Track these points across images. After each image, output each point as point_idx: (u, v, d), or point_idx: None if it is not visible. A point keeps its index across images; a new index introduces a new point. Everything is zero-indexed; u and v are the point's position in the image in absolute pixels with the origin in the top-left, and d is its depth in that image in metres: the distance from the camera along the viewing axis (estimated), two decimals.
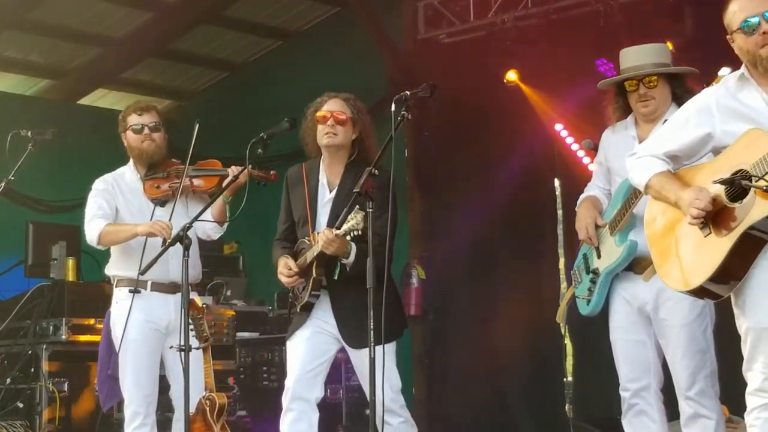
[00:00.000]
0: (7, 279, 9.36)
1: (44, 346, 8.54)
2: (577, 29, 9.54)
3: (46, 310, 8.72)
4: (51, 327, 8.66)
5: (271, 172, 6.05)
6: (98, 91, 12.59)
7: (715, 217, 4.09)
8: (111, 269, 6.37)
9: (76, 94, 12.38)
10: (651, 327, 5.31)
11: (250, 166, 5.75)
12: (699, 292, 4.20)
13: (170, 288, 6.16)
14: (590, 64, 8.86)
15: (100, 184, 6.41)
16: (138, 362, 6.17)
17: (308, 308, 5.63)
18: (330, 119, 5.62)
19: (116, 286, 6.30)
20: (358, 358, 5.57)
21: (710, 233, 4.09)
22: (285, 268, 5.65)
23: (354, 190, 4.89)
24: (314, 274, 5.53)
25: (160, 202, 6.25)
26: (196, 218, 5.66)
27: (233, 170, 5.97)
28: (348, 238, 5.26)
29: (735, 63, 4.38)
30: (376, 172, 4.88)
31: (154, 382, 6.23)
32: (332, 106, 5.67)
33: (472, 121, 10.32)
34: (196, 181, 6.21)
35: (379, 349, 4.84)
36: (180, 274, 5.74)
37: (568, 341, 9.92)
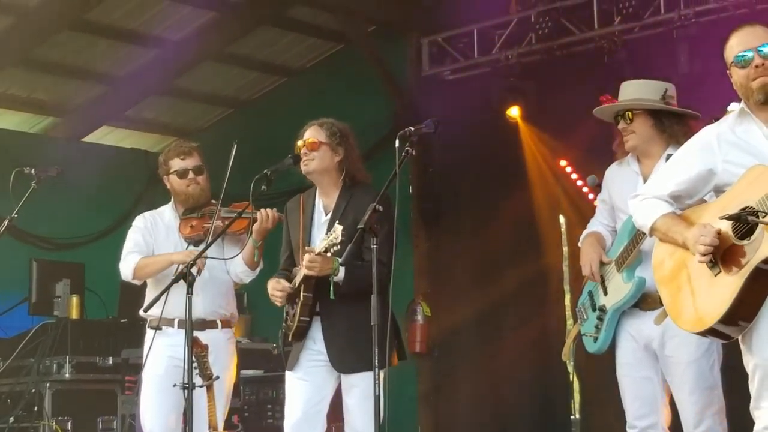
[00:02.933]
0: (11, 317, 9.35)
1: (48, 385, 8.53)
2: (582, 65, 9.57)
3: (49, 348, 8.70)
4: (54, 365, 8.65)
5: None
6: (103, 128, 12.61)
7: (724, 256, 4.06)
8: (142, 311, 6.36)
9: (80, 132, 12.39)
10: (658, 363, 5.27)
11: (273, 208, 5.85)
12: (710, 333, 4.16)
13: (197, 325, 6.12)
14: (594, 100, 8.84)
15: (139, 222, 6.45)
16: (158, 397, 6.15)
17: (300, 336, 5.55)
18: (304, 148, 5.63)
19: (147, 326, 6.30)
20: (346, 385, 5.51)
21: (720, 272, 4.06)
22: (276, 284, 5.61)
23: (358, 227, 4.87)
24: (301, 298, 5.47)
25: (194, 241, 6.26)
26: (199, 255, 5.63)
27: (263, 213, 5.97)
28: (329, 254, 5.24)
29: (726, 101, 4.39)
30: (380, 208, 4.86)
31: (175, 417, 6.18)
32: (306, 135, 5.68)
33: (477, 157, 10.34)
34: (226, 223, 6.18)
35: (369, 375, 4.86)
36: (205, 311, 6.05)
37: (574, 378, 9.87)
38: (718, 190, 4.30)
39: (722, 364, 5.21)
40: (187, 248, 6.24)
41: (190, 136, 12.78)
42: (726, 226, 4.06)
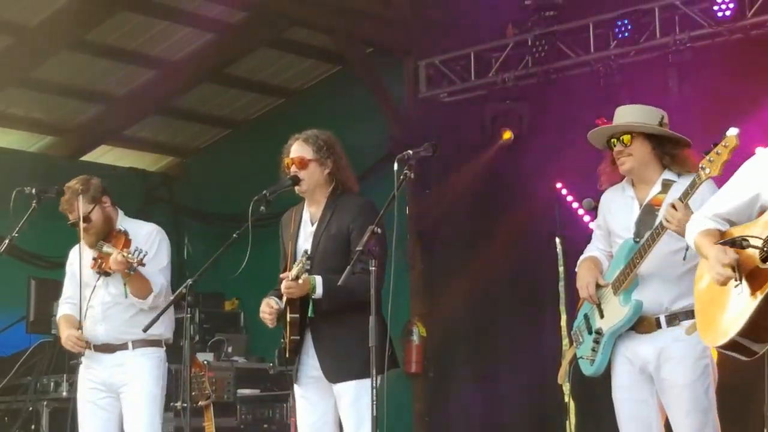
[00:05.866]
0: (9, 335, 9.37)
1: (45, 403, 8.53)
2: (578, 89, 9.63)
3: (47, 366, 8.72)
4: (52, 383, 8.66)
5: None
6: (101, 147, 12.64)
7: (749, 277, 4.10)
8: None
9: (79, 151, 12.42)
10: (653, 386, 5.29)
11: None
12: (732, 347, 4.20)
13: (102, 348, 6.32)
14: (590, 124, 8.89)
15: (68, 259, 6.72)
16: (85, 420, 6.36)
17: (295, 352, 5.59)
18: (293, 166, 5.63)
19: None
20: (338, 396, 5.54)
21: (743, 292, 4.11)
22: (266, 306, 5.61)
23: (357, 248, 4.90)
24: (288, 318, 5.52)
25: (99, 273, 6.35)
26: (199, 275, 5.67)
27: (116, 256, 6.07)
28: (300, 281, 5.30)
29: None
30: (379, 230, 4.91)
31: None
32: (294, 152, 5.66)
33: (473, 179, 10.38)
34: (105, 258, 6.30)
35: (360, 384, 5.05)
36: (108, 337, 6.27)
37: (570, 400, 9.89)
38: (765, 209, 4.33)
39: (717, 387, 5.24)
40: (98, 280, 6.33)
41: (188, 155, 12.87)
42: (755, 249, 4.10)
